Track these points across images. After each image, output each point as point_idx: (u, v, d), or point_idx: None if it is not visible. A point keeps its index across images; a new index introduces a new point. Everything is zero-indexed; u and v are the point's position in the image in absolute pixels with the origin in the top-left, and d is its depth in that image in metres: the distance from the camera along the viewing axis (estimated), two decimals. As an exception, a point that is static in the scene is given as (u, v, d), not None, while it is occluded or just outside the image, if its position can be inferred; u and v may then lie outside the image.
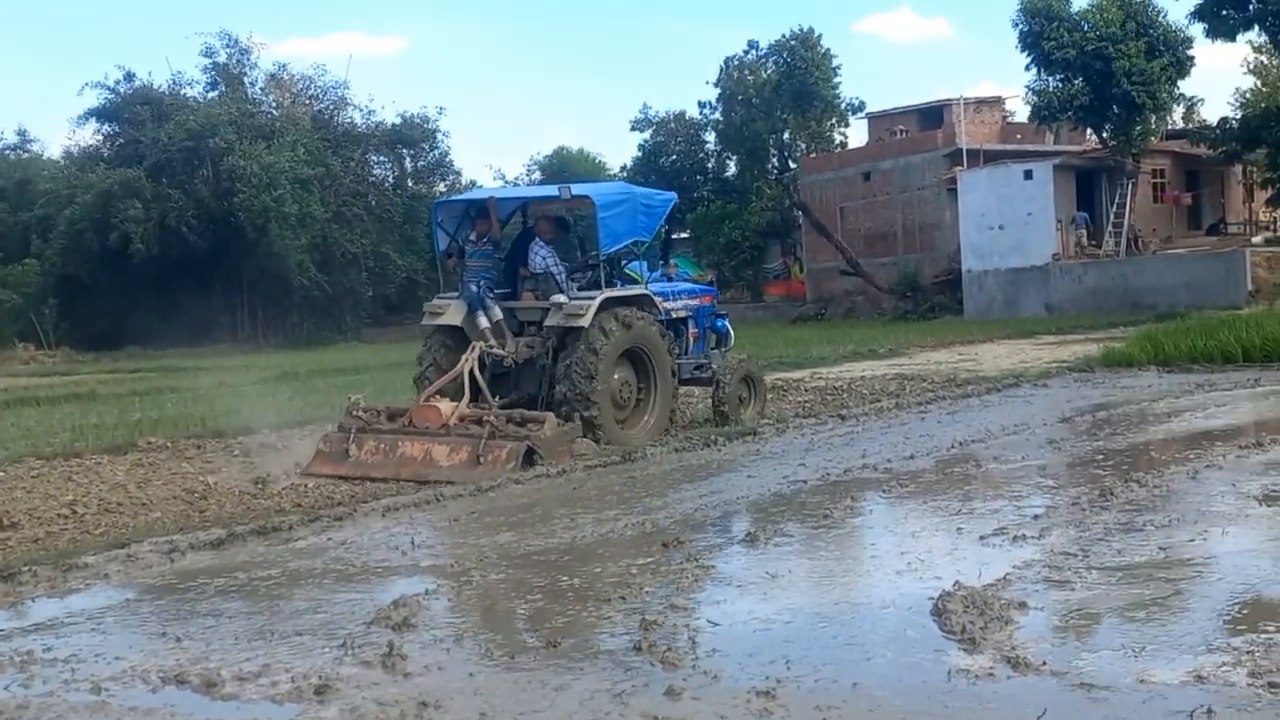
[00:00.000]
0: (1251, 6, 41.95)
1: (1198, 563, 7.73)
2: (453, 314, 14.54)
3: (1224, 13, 42.33)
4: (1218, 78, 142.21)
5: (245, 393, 22.65)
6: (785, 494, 10.86)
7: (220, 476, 13.09)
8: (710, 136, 66.01)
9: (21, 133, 73.24)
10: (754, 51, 60.07)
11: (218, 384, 25.53)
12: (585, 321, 13.70)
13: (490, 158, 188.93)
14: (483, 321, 14.32)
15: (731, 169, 66.13)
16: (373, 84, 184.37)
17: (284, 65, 64.92)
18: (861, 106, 60.17)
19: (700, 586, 7.62)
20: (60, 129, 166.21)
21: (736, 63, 60.44)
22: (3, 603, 8.06)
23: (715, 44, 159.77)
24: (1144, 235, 46.39)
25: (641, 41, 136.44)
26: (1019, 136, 54.45)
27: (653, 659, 6.09)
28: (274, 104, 62.52)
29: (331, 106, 63.70)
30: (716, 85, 61.76)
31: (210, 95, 60.38)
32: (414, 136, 64.02)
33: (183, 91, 60.60)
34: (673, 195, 16.39)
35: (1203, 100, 54.49)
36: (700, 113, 65.08)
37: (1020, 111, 54.13)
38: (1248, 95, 48.37)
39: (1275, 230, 48.66)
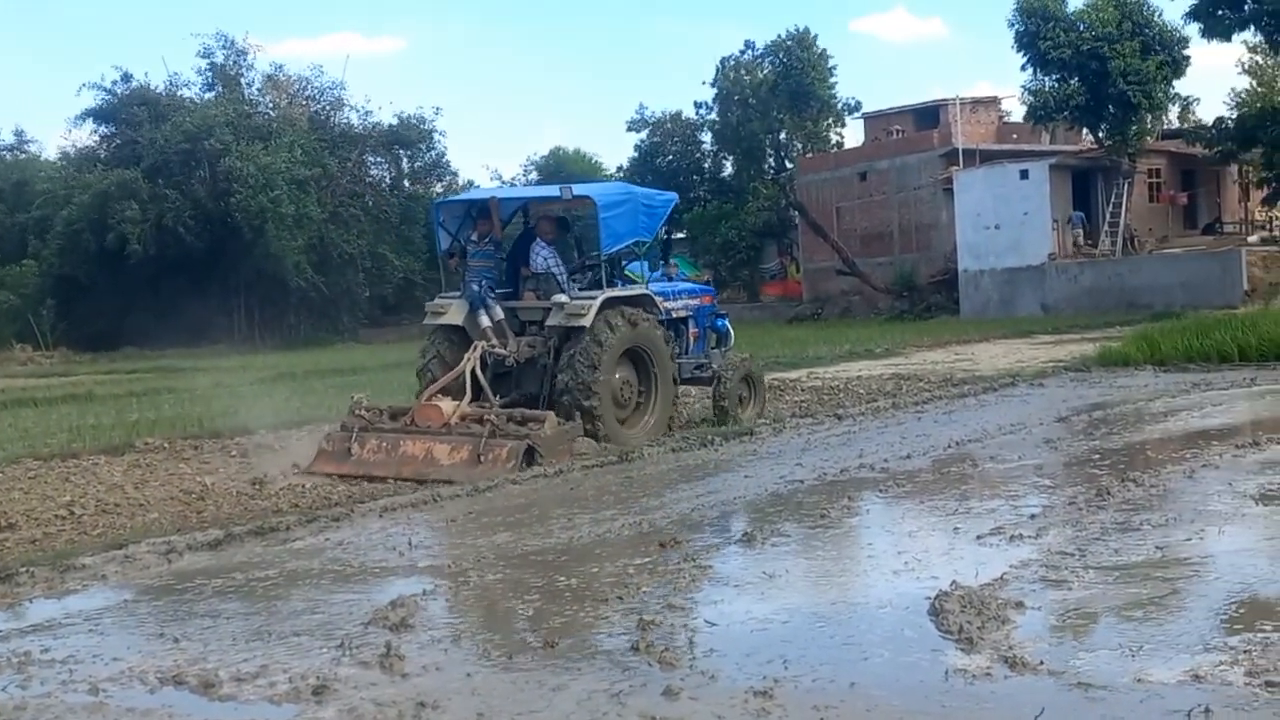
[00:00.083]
0: (1247, 7, 41.94)
1: (1194, 562, 7.74)
2: (454, 313, 14.58)
3: (1219, 13, 42.33)
4: (1213, 78, 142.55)
5: (242, 393, 22.65)
6: (782, 494, 10.87)
7: (217, 477, 13.09)
8: (706, 137, 65.96)
9: (19, 133, 73.35)
10: (750, 52, 60.00)
11: (215, 384, 25.54)
12: (586, 321, 13.75)
13: (487, 158, 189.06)
14: (484, 321, 14.35)
15: (728, 169, 66.08)
16: (370, 84, 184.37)
17: (280, 66, 64.93)
18: (858, 106, 60.14)
19: (698, 586, 7.62)
20: (57, 129, 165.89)
21: (733, 63, 60.36)
22: (0, 604, 8.06)
23: (711, 44, 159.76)
24: (1140, 235, 46.43)
25: (638, 42, 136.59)
26: (1015, 136, 54.45)
27: (650, 659, 6.10)
28: (271, 105, 62.49)
29: (328, 107, 63.69)
30: (713, 85, 61.66)
31: (207, 96, 60.37)
32: (411, 137, 64.02)
33: (180, 92, 60.65)
34: (673, 195, 16.43)
35: (1198, 100, 54.44)
36: (696, 113, 65.04)
37: (1016, 111, 54.14)
38: (1243, 95, 48.38)
39: (1271, 230, 48.66)
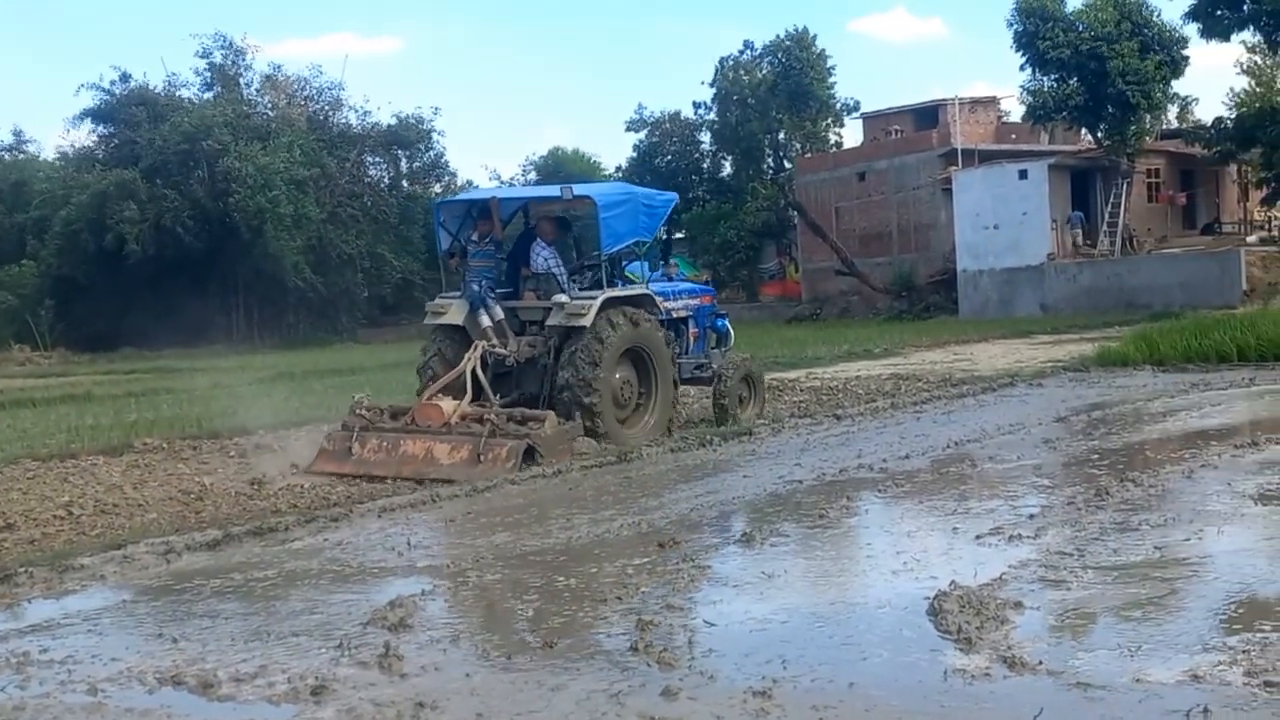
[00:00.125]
0: (1246, 6, 41.96)
1: (1193, 562, 7.74)
2: (455, 313, 14.60)
3: (1218, 13, 42.36)
4: (1212, 78, 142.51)
5: (241, 394, 22.65)
6: (781, 494, 10.86)
7: (216, 477, 13.09)
8: (705, 137, 66.09)
9: (18, 133, 73.37)
10: (749, 52, 60.19)
11: (213, 385, 25.54)
12: (587, 321, 13.77)
13: (486, 158, 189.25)
14: (484, 321, 14.37)
15: (727, 169, 66.17)
16: (368, 85, 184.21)
17: (279, 66, 64.96)
18: (856, 106, 60.32)
19: (696, 587, 7.62)
20: (56, 130, 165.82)
21: (731, 63, 60.50)
22: (-1, 604, 8.07)
23: (710, 44, 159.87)
24: (1139, 235, 46.46)
25: (636, 42, 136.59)
26: (1014, 136, 54.49)
27: (649, 659, 6.09)
28: (269, 105, 62.52)
29: (327, 107, 63.74)
30: (712, 85, 61.86)
31: (205, 96, 60.38)
32: (409, 137, 64.04)
33: (178, 93, 60.66)
34: (673, 196, 16.45)
35: (1197, 100, 54.50)
36: (695, 113, 65.21)
37: (1015, 111, 54.21)
38: (1241, 95, 48.41)
39: (1270, 230, 48.69)
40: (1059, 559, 7.76)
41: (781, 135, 60.37)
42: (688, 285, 17.25)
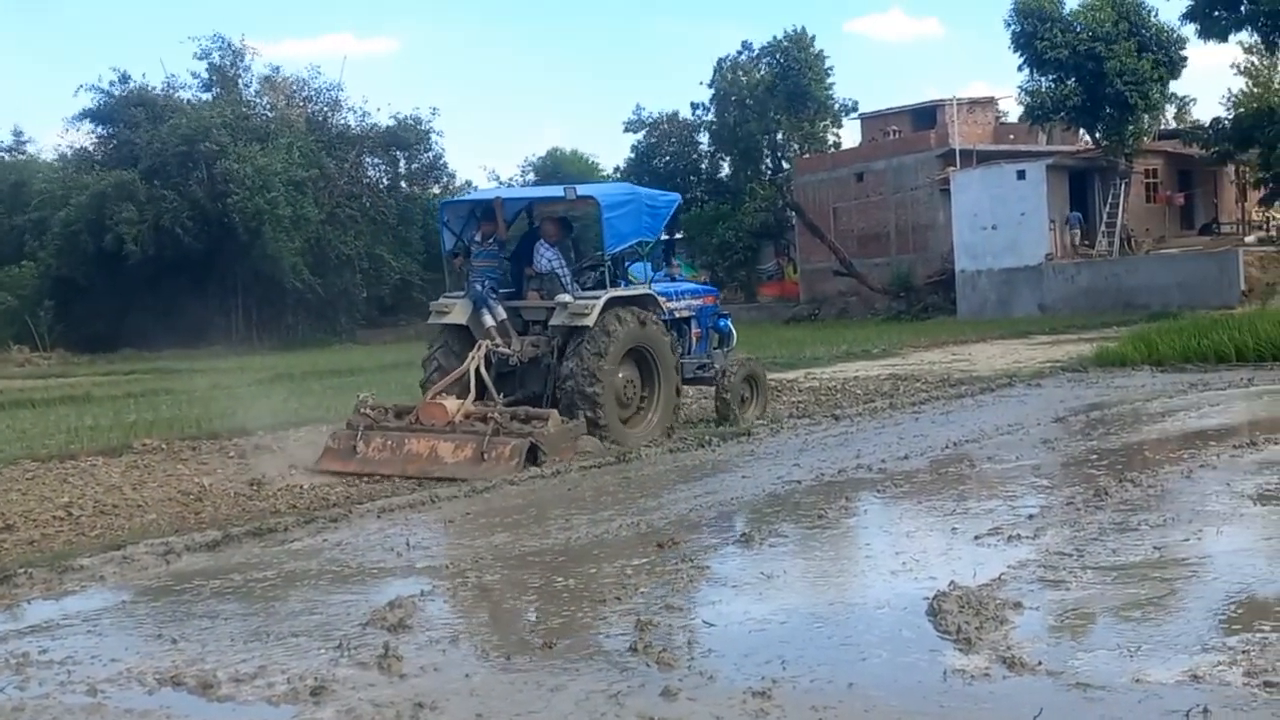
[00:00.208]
0: (1243, 7, 41.98)
1: (1193, 562, 7.75)
2: (459, 313, 14.64)
3: (1216, 13, 42.38)
4: (1210, 78, 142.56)
5: (240, 394, 22.65)
6: (780, 494, 10.87)
7: (215, 478, 13.08)
8: (703, 137, 66.04)
9: (17, 134, 73.28)
10: (747, 52, 60.20)
11: (212, 386, 25.53)
12: (590, 320, 13.82)
13: (484, 159, 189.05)
14: (488, 320, 14.39)
15: (725, 170, 66.16)
16: (367, 85, 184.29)
17: (277, 68, 64.92)
18: (854, 107, 60.36)
19: (696, 587, 7.63)
20: (55, 130, 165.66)
21: (729, 63, 60.52)
22: (-2, 605, 8.06)
23: (709, 45, 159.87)
24: (1137, 235, 46.46)
25: (635, 43, 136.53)
26: (1012, 137, 54.50)
27: (649, 660, 6.10)
28: (268, 106, 62.47)
29: (325, 108, 63.68)
30: (710, 86, 61.87)
31: (204, 97, 60.34)
32: (408, 138, 63.95)
33: (177, 94, 60.60)
34: (676, 196, 16.50)
35: (1195, 100, 54.59)
36: (693, 113, 65.17)
37: (1013, 112, 54.27)
38: (1239, 95, 48.46)
39: (1268, 230, 48.71)
40: (1058, 559, 7.76)
41: (779, 136, 60.39)
42: (690, 286, 17.27)
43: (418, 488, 11.99)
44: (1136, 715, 5.14)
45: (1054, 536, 8.42)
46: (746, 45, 60.12)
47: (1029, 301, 43.55)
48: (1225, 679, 5.43)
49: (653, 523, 9.71)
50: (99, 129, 60.47)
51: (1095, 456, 12.03)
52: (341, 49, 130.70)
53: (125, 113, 58.32)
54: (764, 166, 62.06)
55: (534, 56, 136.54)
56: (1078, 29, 43.90)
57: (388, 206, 61.75)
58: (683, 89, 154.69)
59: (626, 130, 68.12)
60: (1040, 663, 5.76)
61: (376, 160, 64.93)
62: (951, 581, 6.99)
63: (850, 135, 62.63)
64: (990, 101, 56.90)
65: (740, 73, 59.74)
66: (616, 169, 70.38)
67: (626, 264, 15.46)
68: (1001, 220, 44.89)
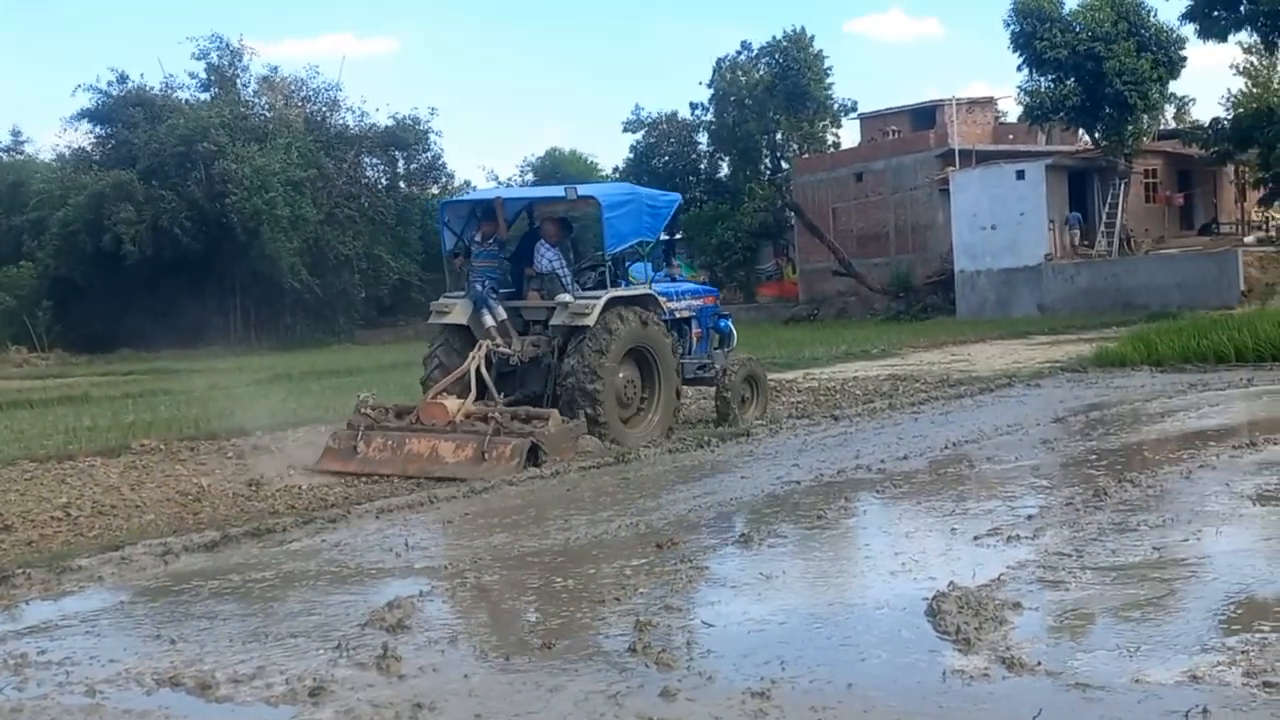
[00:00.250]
0: (1243, 7, 42.01)
1: (1192, 562, 7.74)
2: (459, 313, 14.65)
3: (1215, 13, 42.40)
4: (1209, 78, 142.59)
5: (238, 395, 22.63)
6: (779, 495, 10.87)
7: (214, 479, 13.07)
8: (703, 137, 66.04)
9: (16, 134, 73.28)
10: (746, 52, 60.20)
11: (211, 386, 25.52)
12: (591, 320, 13.83)
13: (483, 159, 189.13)
14: (488, 320, 14.40)
15: (724, 170, 66.16)
16: (365, 86, 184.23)
17: (276, 68, 64.89)
18: (854, 107, 60.36)
19: (695, 588, 7.63)
20: (53, 129, 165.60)
21: (729, 63, 60.51)
22: (-4, 606, 8.06)
23: (708, 45, 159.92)
24: (1136, 235, 46.48)
25: (634, 43, 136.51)
26: (1011, 137, 54.53)
27: (648, 660, 6.09)
28: (266, 106, 62.43)
29: (324, 108, 63.64)
30: (709, 86, 61.86)
31: (203, 97, 60.32)
32: (407, 139, 63.90)
33: (175, 94, 60.59)
34: (677, 197, 16.50)
35: (1194, 100, 54.65)
36: (692, 113, 65.16)
37: (1012, 112, 54.33)
38: (1238, 95, 48.50)
39: (1267, 230, 48.74)
40: (1057, 560, 7.76)
41: (779, 136, 60.38)
42: (691, 286, 17.27)
43: (416, 488, 11.99)
44: (1136, 715, 5.14)
45: (1053, 537, 8.42)
46: (746, 45, 60.20)
47: (1028, 302, 43.57)
48: (1224, 679, 5.43)
49: (652, 523, 9.71)
50: (97, 129, 60.50)
51: (1094, 457, 12.03)
52: (341, 49, 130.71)
53: (123, 113, 58.31)
54: (763, 166, 62.07)
55: (533, 56, 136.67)
56: (1077, 29, 43.93)
57: (386, 207, 61.72)
58: (682, 89, 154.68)
59: (625, 130, 68.23)
60: (1039, 663, 5.75)
61: (375, 160, 64.91)
62: (951, 582, 6.99)
63: (849, 135, 62.72)
64: (989, 101, 56.93)
65: (739, 73, 59.74)
66: (615, 169, 70.42)
67: (627, 264, 15.46)
68: (1001, 220, 44.90)
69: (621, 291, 14.57)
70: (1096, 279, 42.50)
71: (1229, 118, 46.33)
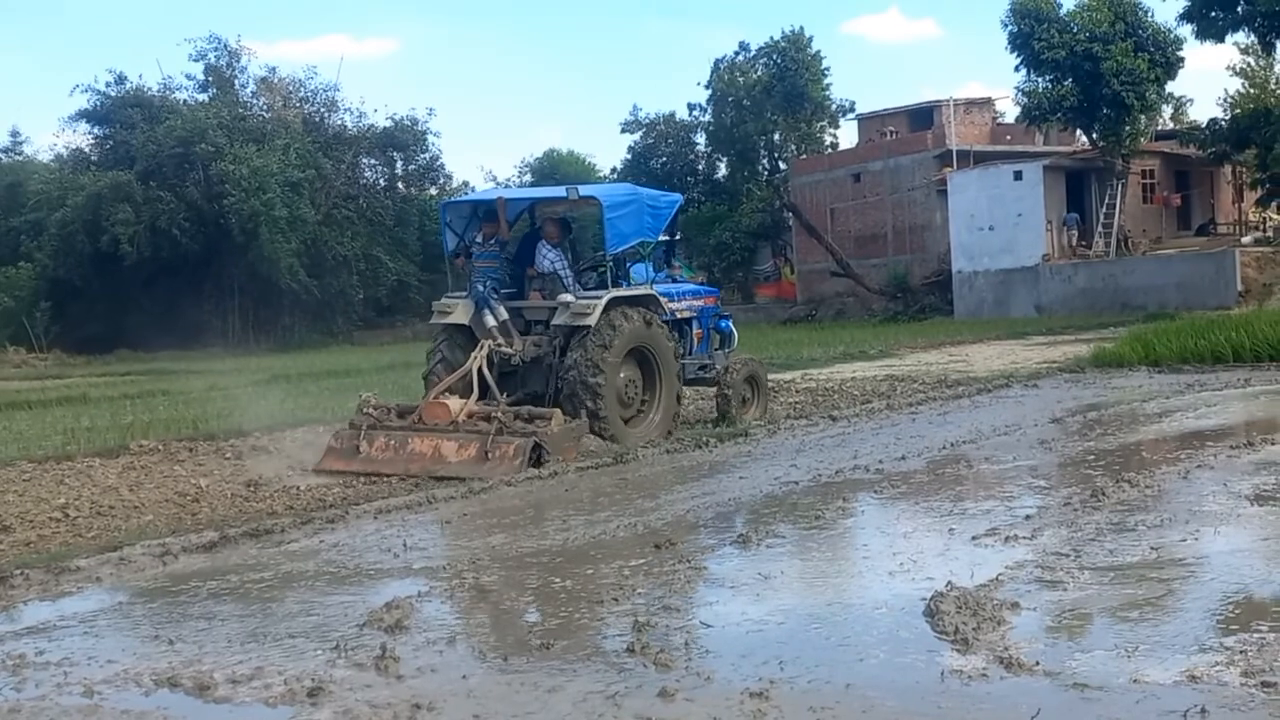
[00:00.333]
0: (1240, 8, 42.03)
1: (1190, 562, 7.75)
2: (461, 313, 14.66)
3: (1212, 14, 42.42)
4: (1206, 79, 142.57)
5: (237, 395, 22.61)
6: (777, 495, 10.87)
7: (212, 479, 13.06)
8: (700, 138, 66.03)
9: (14, 134, 73.24)
10: (744, 53, 60.12)
11: (209, 387, 25.52)
12: (592, 320, 13.85)
13: (481, 159, 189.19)
14: (489, 321, 14.42)
15: (722, 170, 66.16)
16: (363, 86, 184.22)
17: (274, 69, 64.85)
18: (851, 108, 60.32)
19: (693, 588, 7.63)
20: (51, 130, 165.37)
21: (726, 64, 60.45)
22: (-5, 607, 8.05)
23: (705, 46, 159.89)
24: (1134, 236, 46.49)
25: (631, 43, 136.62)
26: (1009, 137, 54.56)
27: (646, 660, 6.09)
28: (264, 107, 62.40)
29: (322, 109, 63.58)
30: (707, 87, 61.80)
31: (201, 98, 60.29)
32: (405, 139, 63.84)
33: (173, 95, 60.56)
34: (678, 197, 16.51)
35: (1191, 101, 54.71)
36: (690, 114, 65.12)
37: (1010, 112, 54.33)
38: (1235, 96, 48.53)
39: (1265, 230, 48.75)
40: (1055, 560, 7.76)
41: (777, 136, 60.35)
42: (691, 286, 17.26)
43: (414, 489, 11.99)
44: (1134, 715, 5.14)
45: (1051, 537, 8.42)
46: (744, 46, 60.10)
47: (1026, 302, 43.58)
48: (1222, 679, 5.44)
49: (650, 524, 9.71)
50: (95, 130, 60.51)
51: (1092, 457, 12.03)
52: (339, 50, 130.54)
53: (121, 114, 58.32)
54: (761, 167, 62.05)
55: (531, 57, 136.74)
56: (1074, 29, 43.93)
57: (384, 207, 61.70)
58: (680, 90, 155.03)
59: (623, 131, 68.20)
60: (1038, 663, 5.75)
61: (373, 161, 64.86)
62: (949, 582, 6.99)
63: (847, 136, 62.72)
64: (987, 102, 56.98)
65: (737, 73, 59.69)
66: (613, 170, 70.42)
67: (627, 265, 15.47)
68: (998, 221, 44.93)
69: (623, 291, 14.59)
70: (1094, 279, 42.52)
71: (1226, 118, 46.35)
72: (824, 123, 60.84)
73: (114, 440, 16.05)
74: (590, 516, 10.10)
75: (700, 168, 67.15)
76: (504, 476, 12.08)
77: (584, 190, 15.53)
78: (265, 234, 52.85)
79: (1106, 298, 41.00)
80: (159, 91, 60.27)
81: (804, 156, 58.87)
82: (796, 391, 20.01)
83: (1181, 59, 45.24)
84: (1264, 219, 50.24)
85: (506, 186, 65.25)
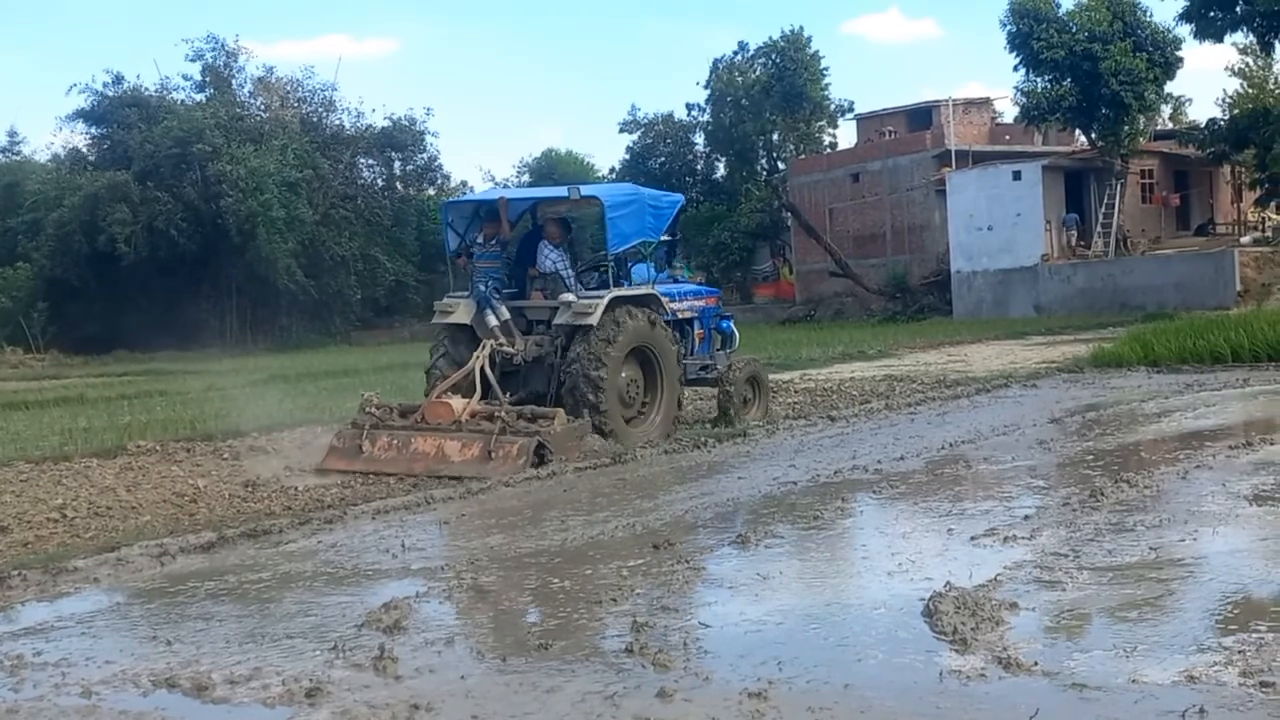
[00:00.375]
0: (1239, 8, 42.04)
1: (1188, 563, 7.75)
2: (462, 313, 14.66)
3: (1211, 14, 42.42)
4: (1205, 79, 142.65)
5: (234, 396, 22.61)
6: (776, 495, 10.86)
7: (210, 480, 13.05)
8: (699, 138, 66.01)
9: (11, 134, 73.16)
10: (743, 53, 60.08)
11: (207, 387, 25.51)
12: (594, 320, 13.85)
13: (479, 159, 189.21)
14: (491, 320, 14.42)
15: (720, 171, 66.15)
16: (361, 86, 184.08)
17: (272, 68, 64.85)
18: (850, 108, 60.28)
19: (692, 588, 7.63)
20: (48, 129, 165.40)
21: (725, 64, 60.42)
22: (-8, 607, 8.04)
23: (704, 45, 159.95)
24: (1133, 236, 46.50)
25: (630, 43, 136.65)
26: (1008, 137, 54.56)
27: (644, 661, 6.09)
28: (262, 107, 62.37)
29: (320, 109, 63.54)
30: (705, 87, 61.76)
31: (198, 98, 60.24)
32: (403, 140, 63.81)
33: (171, 95, 60.51)
34: (680, 197, 16.52)
35: (1190, 101, 54.75)
36: (689, 114, 65.09)
37: (1009, 112, 54.30)
38: (1234, 96, 48.54)
39: (1263, 230, 48.78)
40: (1054, 560, 7.76)
41: (775, 136, 60.32)
42: (693, 287, 17.26)
43: (413, 489, 11.98)
44: (1133, 715, 5.14)
45: (1050, 537, 8.42)
46: (742, 46, 60.05)
47: (1025, 302, 43.59)
48: (1221, 679, 5.43)
49: (649, 524, 9.71)
50: (92, 130, 60.44)
51: (1091, 457, 12.03)
52: (337, 50, 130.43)
53: (119, 113, 58.26)
54: (760, 167, 62.02)
55: (529, 57, 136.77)
56: (1073, 29, 43.92)
57: (382, 208, 61.66)
58: (678, 90, 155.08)
59: (622, 131, 68.18)
60: (1036, 663, 5.75)
61: (371, 161, 64.80)
62: (947, 582, 6.99)
63: (846, 136, 62.69)
64: (986, 102, 56.97)
65: (736, 73, 59.65)
66: (612, 170, 70.40)
67: (629, 265, 15.47)
68: (997, 221, 44.94)
69: (625, 291, 14.59)
70: (1093, 279, 42.53)
71: (1225, 118, 46.36)
72: (823, 123, 60.84)
73: (111, 441, 16.04)
74: (589, 517, 10.09)
75: (699, 168, 67.14)
76: (507, 476, 12.07)
77: (585, 190, 15.53)
78: (263, 234, 52.83)
79: (1105, 298, 41.01)
80: (156, 91, 60.23)
81: (803, 156, 58.87)
82: (795, 392, 20.00)
83: (1180, 59, 45.27)
84: (1263, 219, 50.27)
85: (506, 186, 65.24)
